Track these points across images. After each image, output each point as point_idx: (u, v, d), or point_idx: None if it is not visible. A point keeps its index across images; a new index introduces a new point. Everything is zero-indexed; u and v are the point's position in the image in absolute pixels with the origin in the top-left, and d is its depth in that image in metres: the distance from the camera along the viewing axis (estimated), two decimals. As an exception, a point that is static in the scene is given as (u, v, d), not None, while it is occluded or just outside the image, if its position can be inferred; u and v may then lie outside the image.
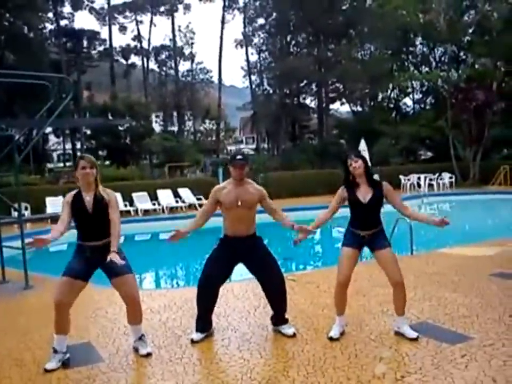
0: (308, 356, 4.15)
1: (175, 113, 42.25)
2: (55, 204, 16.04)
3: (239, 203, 4.48)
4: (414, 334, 4.43)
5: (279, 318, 4.76)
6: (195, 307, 5.65)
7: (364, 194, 4.41)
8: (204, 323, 4.72)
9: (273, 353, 4.27)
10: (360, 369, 3.84)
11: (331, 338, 4.48)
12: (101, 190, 4.19)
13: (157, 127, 39.34)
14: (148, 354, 4.27)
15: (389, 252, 4.44)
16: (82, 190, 4.18)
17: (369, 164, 4.52)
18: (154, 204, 17.46)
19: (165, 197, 17.96)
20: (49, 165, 38.85)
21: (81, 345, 4.63)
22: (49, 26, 37.73)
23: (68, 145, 40.75)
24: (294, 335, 4.60)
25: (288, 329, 4.68)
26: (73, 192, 4.22)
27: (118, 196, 16.91)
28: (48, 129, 32.72)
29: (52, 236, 3.95)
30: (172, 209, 17.58)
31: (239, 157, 4.60)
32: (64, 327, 4.16)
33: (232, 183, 4.60)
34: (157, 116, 42.45)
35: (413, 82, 30.99)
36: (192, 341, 4.57)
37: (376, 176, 4.64)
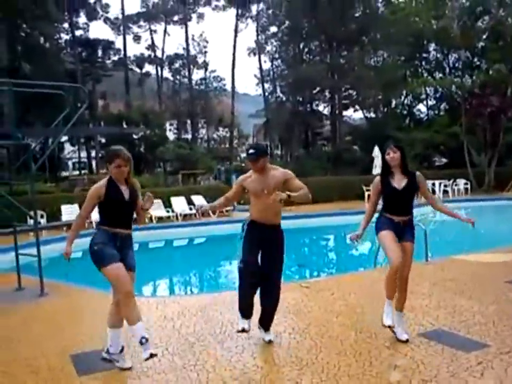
0: (321, 364, 4.13)
1: (188, 121, 42.43)
2: (70, 212, 16.19)
3: (265, 191, 4.45)
4: (404, 336, 4.45)
5: (265, 322, 4.74)
6: (208, 314, 5.68)
7: (398, 181, 4.48)
8: (247, 310, 4.59)
9: (287, 360, 4.26)
10: (375, 377, 3.82)
11: (389, 327, 4.48)
12: (132, 182, 4.28)
13: (170, 135, 39.54)
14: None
15: (411, 247, 4.54)
16: (115, 180, 4.19)
17: (406, 157, 4.58)
18: (168, 211, 17.54)
19: (179, 204, 18.02)
20: (65, 173, 39.21)
21: (96, 352, 4.64)
22: (64, 36, 38.25)
23: (83, 154, 41.14)
24: (269, 342, 4.62)
25: (265, 335, 4.70)
26: (103, 183, 4.17)
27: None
28: (64, 138, 32.99)
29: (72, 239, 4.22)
30: (185, 217, 17.64)
31: (250, 151, 4.53)
32: (137, 314, 4.05)
33: (256, 173, 4.59)
34: (171, 124, 42.66)
35: (427, 88, 30.83)
36: (243, 330, 4.48)
37: None
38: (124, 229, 4.19)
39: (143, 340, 3.90)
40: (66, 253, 4.14)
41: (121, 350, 4.24)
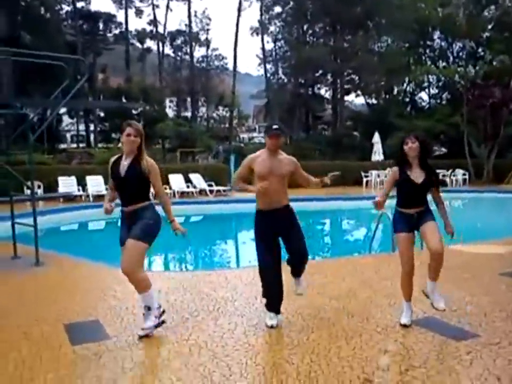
0: (313, 345, 4.16)
1: (188, 99, 42.17)
2: (67, 184, 16.19)
3: (273, 173, 4.43)
4: (441, 306, 4.50)
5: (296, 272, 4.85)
6: (203, 290, 5.71)
7: (417, 175, 4.42)
8: (276, 304, 4.64)
9: (279, 339, 4.29)
10: (365, 360, 3.85)
11: (405, 326, 4.53)
12: (143, 158, 4.20)
13: (170, 112, 39.34)
14: (143, 329, 4.27)
15: (433, 224, 4.46)
16: (124, 154, 4.24)
17: (427, 149, 4.55)
18: (165, 188, 17.52)
19: (176, 181, 18.02)
20: (63, 145, 39.05)
21: (89, 323, 4.69)
22: (66, 7, 37.83)
23: (82, 127, 40.94)
24: (300, 294, 4.83)
25: (299, 287, 4.84)
26: (115, 157, 4.31)
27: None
28: (63, 110, 32.84)
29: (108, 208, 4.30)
30: (182, 194, 17.64)
31: (275, 127, 4.54)
32: (146, 284, 4.23)
33: (266, 153, 4.54)
34: (170, 101, 42.40)
35: (430, 76, 30.70)
36: (272, 327, 4.49)
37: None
38: (128, 205, 4.20)
39: (146, 308, 4.29)
40: (106, 208, 4.26)
41: (148, 308, 4.33)
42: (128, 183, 4.16)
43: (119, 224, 4.35)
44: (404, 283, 4.62)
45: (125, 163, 4.20)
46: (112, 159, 4.30)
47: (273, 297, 4.63)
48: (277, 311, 4.64)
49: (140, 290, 4.25)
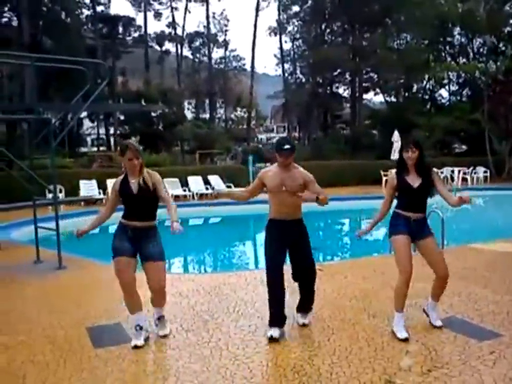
0: (333, 346, 4.16)
1: (207, 101, 42.39)
2: (88, 187, 16.39)
3: (283, 188, 4.43)
4: (438, 322, 4.50)
5: (304, 306, 4.74)
6: (222, 292, 5.74)
7: (413, 180, 4.40)
8: (280, 315, 4.44)
9: (299, 341, 4.30)
10: (386, 361, 3.83)
11: (406, 339, 4.22)
12: (145, 174, 4.30)
13: (189, 114, 39.55)
14: (164, 336, 4.43)
15: (434, 241, 4.47)
16: (128, 175, 4.31)
17: (424, 156, 4.47)
18: (184, 190, 17.65)
19: (195, 183, 18.13)
20: (83, 149, 39.52)
21: (112, 326, 4.75)
22: (86, 12, 38.32)
23: (102, 130, 41.39)
24: (303, 325, 4.63)
25: (301, 319, 4.69)
26: (120, 178, 4.36)
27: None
28: (83, 114, 33.18)
29: (93, 226, 4.42)
30: (201, 196, 17.73)
31: (286, 146, 4.42)
32: (136, 304, 4.31)
33: (278, 167, 4.55)
34: (189, 103, 42.65)
35: (450, 73, 30.27)
36: (271, 338, 4.26)
37: None
38: (138, 221, 4.26)
39: (137, 328, 4.27)
40: (81, 231, 4.32)
41: (159, 319, 4.51)
42: (139, 200, 4.25)
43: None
44: (401, 292, 4.36)
45: (133, 181, 4.27)
46: (120, 179, 4.35)
47: (277, 303, 4.41)
48: (280, 325, 4.43)
49: (162, 303, 4.48)
